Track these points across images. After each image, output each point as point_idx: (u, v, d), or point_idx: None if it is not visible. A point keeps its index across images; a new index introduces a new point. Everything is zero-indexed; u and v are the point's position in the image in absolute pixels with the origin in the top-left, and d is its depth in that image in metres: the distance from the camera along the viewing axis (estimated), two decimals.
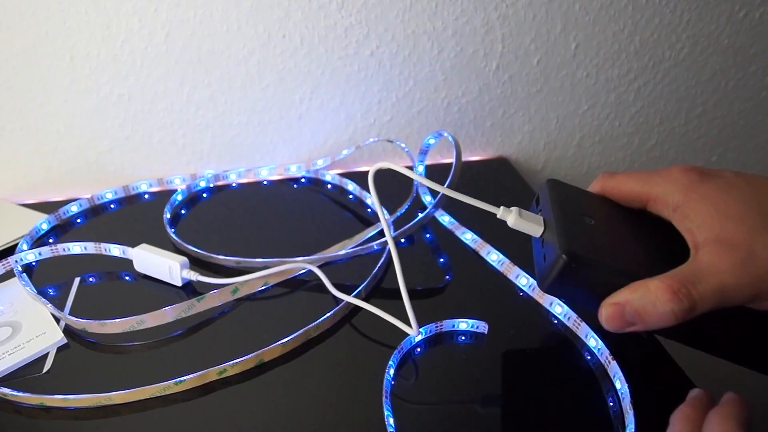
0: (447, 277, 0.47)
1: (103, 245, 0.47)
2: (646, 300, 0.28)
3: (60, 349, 0.40)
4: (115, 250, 0.47)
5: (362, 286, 0.44)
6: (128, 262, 0.47)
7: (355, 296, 0.43)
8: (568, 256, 0.29)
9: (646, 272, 0.30)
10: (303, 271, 0.47)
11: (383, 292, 0.46)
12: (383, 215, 0.39)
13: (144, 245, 0.46)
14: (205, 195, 0.58)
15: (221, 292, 0.43)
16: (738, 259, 0.27)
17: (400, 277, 0.38)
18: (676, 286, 0.27)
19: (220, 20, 0.53)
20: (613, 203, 0.35)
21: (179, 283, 0.45)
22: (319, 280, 0.44)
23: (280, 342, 0.39)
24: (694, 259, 0.29)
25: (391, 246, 0.39)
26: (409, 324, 0.39)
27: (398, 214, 0.52)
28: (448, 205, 0.54)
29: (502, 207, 0.33)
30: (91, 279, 0.47)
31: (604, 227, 0.33)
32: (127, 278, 0.47)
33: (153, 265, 0.45)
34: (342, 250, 0.48)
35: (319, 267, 0.47)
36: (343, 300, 0.42)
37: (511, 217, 0.33)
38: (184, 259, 0.45)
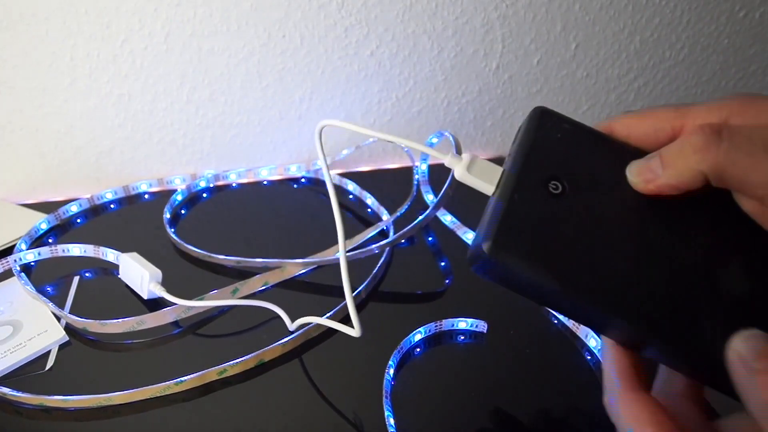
0: (447, 276, 0.47)
1: (102, 249, 0.47)
2: (673, 144, 0.22)
3: (61, 347, 0.40)
4: (110, 254, 0.47)
5: (362, 286, 0.44)
6: None
7: (355, 296, 0.43)
8: (488, 251, 0.21)
9: (629, 295, 0.21)
10: (303, 271, 0.47)
11: (383, 293, 0.46)
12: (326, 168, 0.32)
13: (134, 254, 0.45)
14: (205, 195, 0.58)
15: (221, 292, 0.43)
16: None
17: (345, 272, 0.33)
18: (709, 123, 0.21)
19: (220, 20, 0.53)
20: (624, 158, 0.24)
21: (146, 296, 0.43)
22: (319, 281, 0.44)
23: (280, 342, 0.39)
24: None
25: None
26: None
27: (398, 213, 0.52)
28: (450, 204, 0.53)
29: (450, 153, 0.25)
30: (90, 278, 0.47)
31: (580, 203, 0.22)
32: None
33: (130, 273, 0.44)
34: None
35: (319, 267, 0.47)
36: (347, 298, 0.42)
37: (458, 167, 0.25)
38: (158, 272, 0.43)
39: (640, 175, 0.22)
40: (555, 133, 0.24)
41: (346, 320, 0.43)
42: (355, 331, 0.35)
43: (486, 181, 0.24)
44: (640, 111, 0.24)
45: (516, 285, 0.22)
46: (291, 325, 0.39)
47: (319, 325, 0.41)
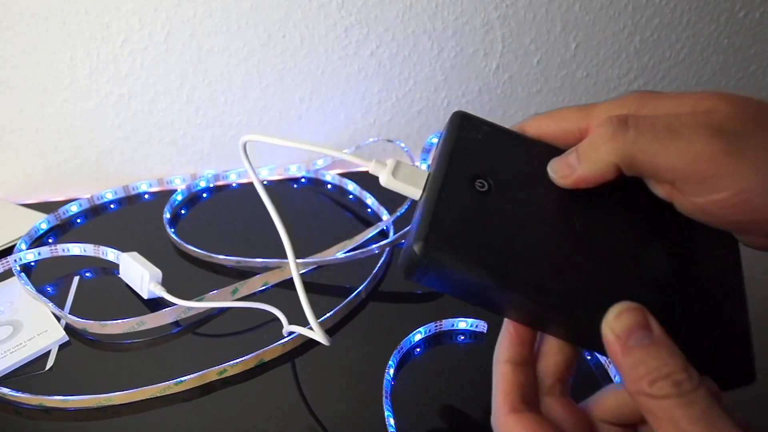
0: None
1: (102, 248, 0.47)
2: (589, 138, 0.22)
3: (61, 347, 0.40)
4: (111, 254, 0.47)
5: (362, 286, 0.44)
6: None
7: (355, 297, 0.43)
8: (420, 252, 0.21)
9: (560, 283, 0.22)
10: (303, 271, 0.47)
11: (383, 293, 0.46)
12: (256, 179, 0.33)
13: (134, 253, 0.45)
14: (205, 195, 0.58)
15: (221, 292, 0.43)
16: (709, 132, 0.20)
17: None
18: (615, 115, 0.22)
19: (220, 20, 0.53)
20: (543, 155, 0.24)
21: (146, 296, 0.43)
22: (319, 280, 0.44)
23: (280, 342, 0.39)
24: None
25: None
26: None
27: (398, 213, 0.52)
28: None
29: (374, 160, 0.25)
30: (90, 278, 0.47)
31: (505, 199, 0.23)
32: None
33: (130, 273, 0.44)
34: (341, 251, 0.48)
35: (319, 267, 0.47)
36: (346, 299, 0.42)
37: (383, 174, 0.24)
38: (158, 271, 0.43)
39: (559, 171, 0.23)
40: (476, 135, 0.24)
41: (346, 320, 0.43)
42: (322, 338, 0.34)
43: (412, 186, 0.24)
44: (548, 113, 0.25)
45: (451, 286, 0.22)
46: (284, 329, 0.39)
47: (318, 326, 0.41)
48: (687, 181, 0.21)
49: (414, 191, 0.24)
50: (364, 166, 0.25)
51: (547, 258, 0.22)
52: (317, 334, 0.35)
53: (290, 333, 0.40)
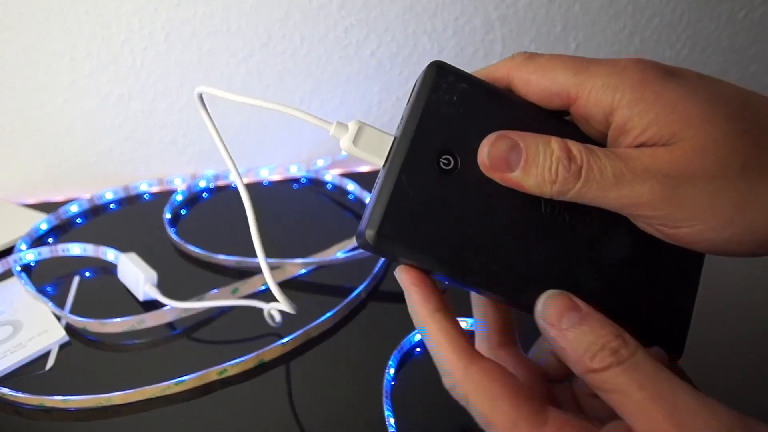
0: None
1: (102, 248, 0.47)
2: (541, 147, 0.21)
3: (61, 347, 0.40)
4: (110, 254, 0.47)
5: (362, 286, 0.44)
6: None
7: (355, 297, 0.43)
8: (372, 240, 0.21)
9: (512, 273, 0.22)
10: (303, 271, 0.47)
11: (383, 293, 0.46)
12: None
13: (131, 254, 0.45)
14: (205, 195, 0.58)
15: (221, 291, 0.43)
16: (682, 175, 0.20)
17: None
18: (576, 148, 0.21)
19: (220, 20, 0.53)
20: (520, 122, 0.22)
21: (141, 297, 0.43)
22: (319, 280, 0.44)
23: (280, 342, 0.39)
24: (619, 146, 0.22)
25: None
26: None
27: None
28: None
29: (336, 121, 0.23)
30: (90, 278, 0.47)
31: (468, 178, 0.22)
32: None
33: (127, 274, 0.44)
34: (341, 251, 0.48)
35: (319, 267, 0.47)
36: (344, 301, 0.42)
37: (344, 139, 0.23)
38: (153, 273, 0.43)
39: (489, 155, 0.21)
40: (450, 96, 0.22)
41: (346, 320, 0.43)
42: (288, 306, 0.33)
43: (374, 154, 0.22)
44: (541, 63, 0.23)
45: (404, 262, 0.22)
46: (265, 311, 0.39)
47: (318, 326, 0.41)
48: (628, 214, 0.21)
49: (376, 160, 0.22)
50: (325, 129, 0.23)
51: (502, 247, 0.22)
52: (284, 304, 0.34)
53: (273, 318, 0.39)
